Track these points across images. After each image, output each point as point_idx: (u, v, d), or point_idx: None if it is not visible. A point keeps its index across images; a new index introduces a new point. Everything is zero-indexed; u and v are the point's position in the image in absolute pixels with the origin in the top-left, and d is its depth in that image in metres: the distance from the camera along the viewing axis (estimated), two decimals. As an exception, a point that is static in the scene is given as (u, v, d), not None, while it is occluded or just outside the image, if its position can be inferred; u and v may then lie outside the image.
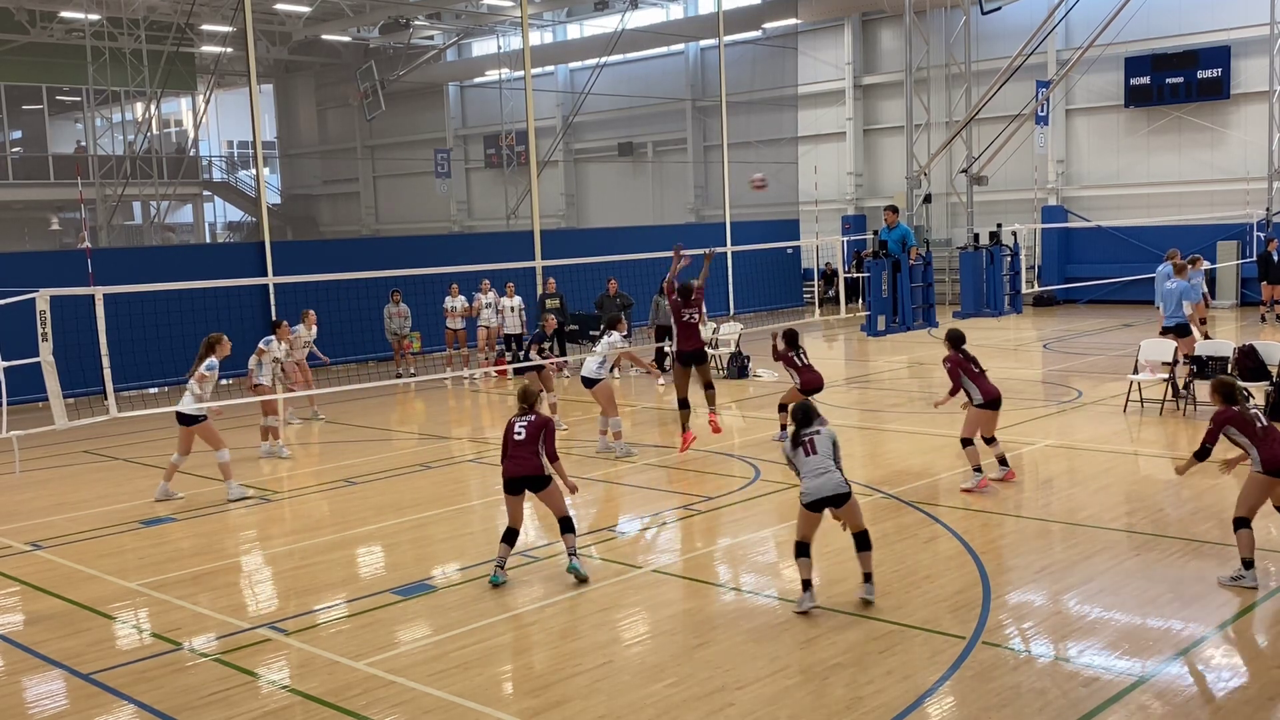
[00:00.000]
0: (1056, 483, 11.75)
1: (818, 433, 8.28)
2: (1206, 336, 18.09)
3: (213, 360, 12.37)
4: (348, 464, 14.09)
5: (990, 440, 11.48)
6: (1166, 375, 15.00)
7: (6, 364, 13.37)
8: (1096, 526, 9.97)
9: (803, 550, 8.07)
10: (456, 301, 21.59)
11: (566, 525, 9.03)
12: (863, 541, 8.19)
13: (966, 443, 11.33)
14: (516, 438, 8.94)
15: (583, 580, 8.82)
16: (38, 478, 13.95)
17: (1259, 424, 8.25)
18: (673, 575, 9.10)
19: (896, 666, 7.04)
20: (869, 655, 7.23)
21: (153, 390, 19.28)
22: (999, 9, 29.67)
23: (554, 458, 9.03)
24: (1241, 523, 8.21)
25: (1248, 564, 8.19)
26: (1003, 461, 11.52)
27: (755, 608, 8.33)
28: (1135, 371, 15.62)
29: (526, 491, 8.96)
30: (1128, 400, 15.15)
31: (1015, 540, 9.78)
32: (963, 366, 11.39)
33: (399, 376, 20.52)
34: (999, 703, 6.48)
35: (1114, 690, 6.59)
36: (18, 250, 33.52)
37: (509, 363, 20.46)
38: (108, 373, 12.54)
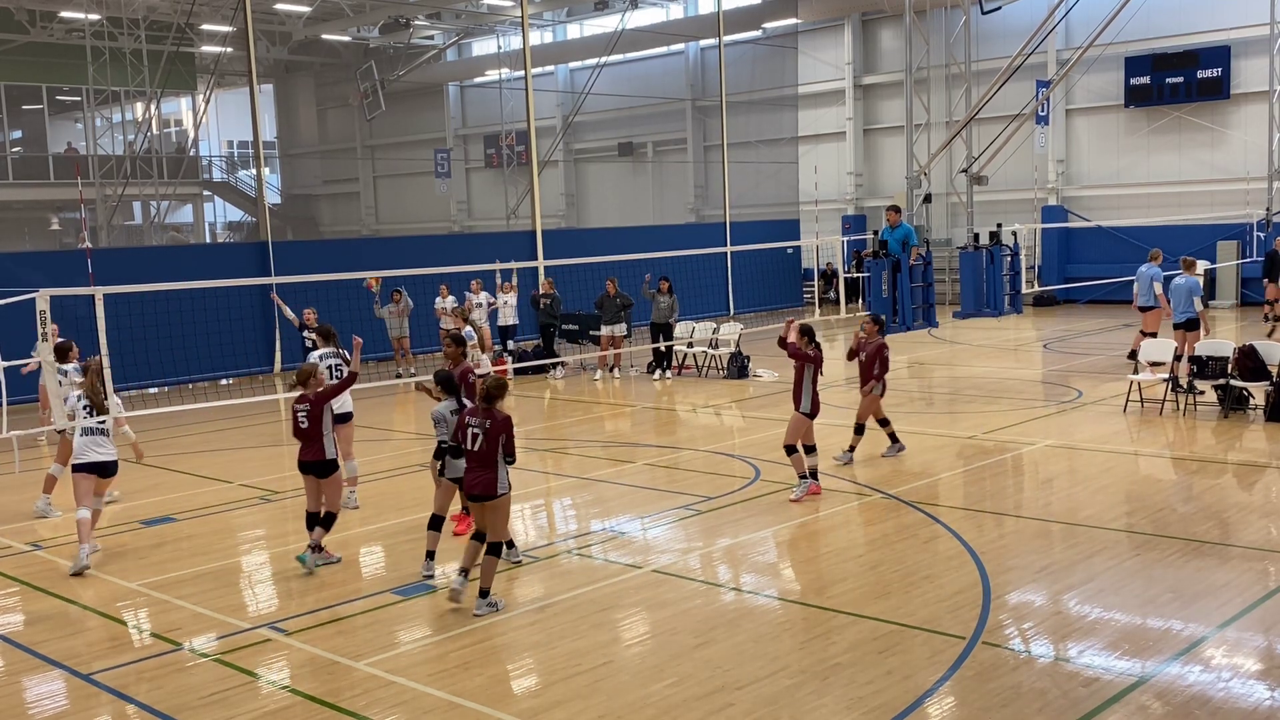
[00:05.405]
0: (1056, 483, 11.75)
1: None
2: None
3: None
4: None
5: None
6: (1167, 375, 15.00)
7: (6, 364, 13.37)
8: (1096, 526, 9.97)
9: None
10: (447, 302, 21.55)
11: (328, 520, 9.56)
12: None
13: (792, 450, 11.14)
14: (301, 426, 9.45)
15: (310, 573, 9.33)
16: (38, 478, 13.85)
17: None
18: (673, 575, 9.09)
19: (896, 666, 7.04)
20: (869, 655, 7.23)
21: (153, 390, 19.27)
22: (999, 9, 29.67)
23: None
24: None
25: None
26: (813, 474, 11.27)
27: (755, 608, 8.33)
28: (1135, 371, 15.63)
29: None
30: (1128, 400, 15.14)
31: (1015, 540, 9.78)
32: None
33: (399, 376, 20.51)
34: (999, 703, 6.48)
35: (1114, 690, 6.59)
36: (18, 250, 33.54)
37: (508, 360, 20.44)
38: (108, 372, 12.52)
